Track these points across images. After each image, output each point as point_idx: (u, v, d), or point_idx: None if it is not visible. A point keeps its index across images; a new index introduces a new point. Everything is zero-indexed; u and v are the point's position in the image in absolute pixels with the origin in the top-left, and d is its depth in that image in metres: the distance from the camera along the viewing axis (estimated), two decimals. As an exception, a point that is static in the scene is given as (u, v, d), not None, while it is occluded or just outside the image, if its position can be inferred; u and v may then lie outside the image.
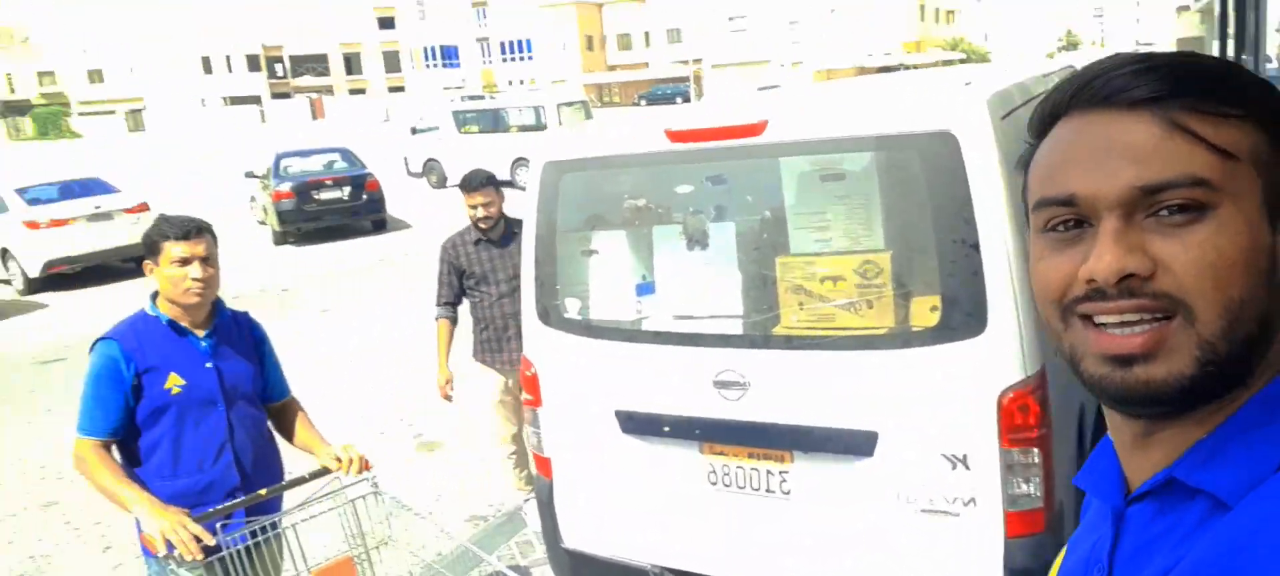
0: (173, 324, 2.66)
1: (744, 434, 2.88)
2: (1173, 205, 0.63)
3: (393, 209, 16.77)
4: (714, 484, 3.02)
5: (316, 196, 14.89)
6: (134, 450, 2.64)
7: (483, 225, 4.31)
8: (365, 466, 2.73)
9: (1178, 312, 0.63)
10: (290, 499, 2.75)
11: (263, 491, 2.64)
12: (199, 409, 2.66)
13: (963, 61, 62.08)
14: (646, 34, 73.02)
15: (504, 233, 4.35)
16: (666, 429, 3.05)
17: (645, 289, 3.26)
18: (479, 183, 4.32)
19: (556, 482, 3.38)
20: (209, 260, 2.64)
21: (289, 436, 2.93)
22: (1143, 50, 0.87)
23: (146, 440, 2.63)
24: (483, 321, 4.42)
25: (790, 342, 2.82)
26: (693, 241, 3.14)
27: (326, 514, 2.63)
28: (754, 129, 2.69)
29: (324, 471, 2.72)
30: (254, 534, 2.52)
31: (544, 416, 3.35)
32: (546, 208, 3.27)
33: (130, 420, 2.60)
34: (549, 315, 3.29)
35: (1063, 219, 0.68)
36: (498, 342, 4.40)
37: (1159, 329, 0.64)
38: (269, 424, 2.91)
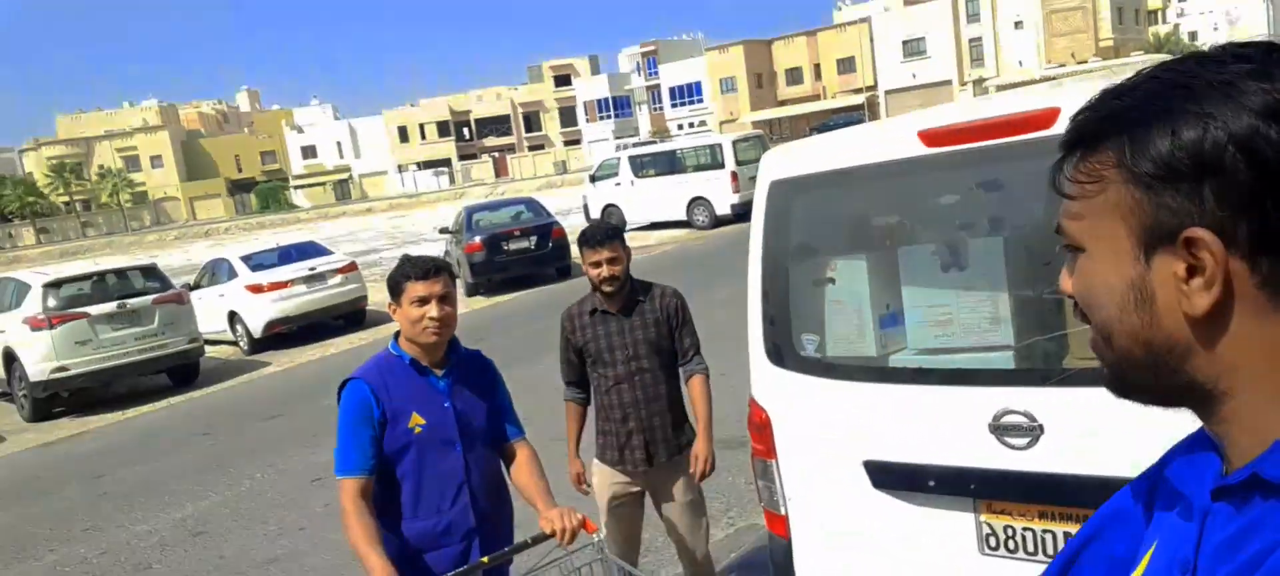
0: (414, 363, 2.67)
1: (1036, 489, 2.37)
2: (1066, 246, 0.76)
3: (575, 254, 17.00)
4: (993, 549, 2.52)
5: (506, 247, 15.31)
6: (379, 491, 2.62)
7: (606, 287, 3.45)
8: (588, 528, 2.56)
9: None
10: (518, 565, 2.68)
11: (485, 559, 2.55)
12: (438, 449, 2.65)
13: (1167, 64, 56.99)
14: (816, 66, 71.99)
15: (626, 301, 3.51)
16: (932, 483, 2.59)
17: (891, 321, 2.84)
18: (602, 236, 3.45)
19: (795, 544, 2.98)
20: (447, 299, 2.65)
21: (517, 483, 2.83)
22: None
23: (386, 477, 2.62)
24: (601, 410, 3.59)
25: (1092, 376, 2.29)
26: (949, 262, 2.70)
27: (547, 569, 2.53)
28: (1042, 120, 2.22)
29: (543, 536, 2.57)
30: None
31: (779, 469, 2.97)
32: (775, 233, 2.92)
33: (382, 458, 2.60)
34: (781, 354, 2.92)
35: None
36: (616, 437, 3.55)
37: (1093, 337, 0.76)
38: (501, 471, 2.85)
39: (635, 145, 30.64)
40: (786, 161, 2.98)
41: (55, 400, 11.07)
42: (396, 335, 2.73)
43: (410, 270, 2.64)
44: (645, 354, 3.52)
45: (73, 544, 6.28)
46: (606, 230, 3.55)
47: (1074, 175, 0.72)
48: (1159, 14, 74.33)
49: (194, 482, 7.22)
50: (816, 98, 70.17)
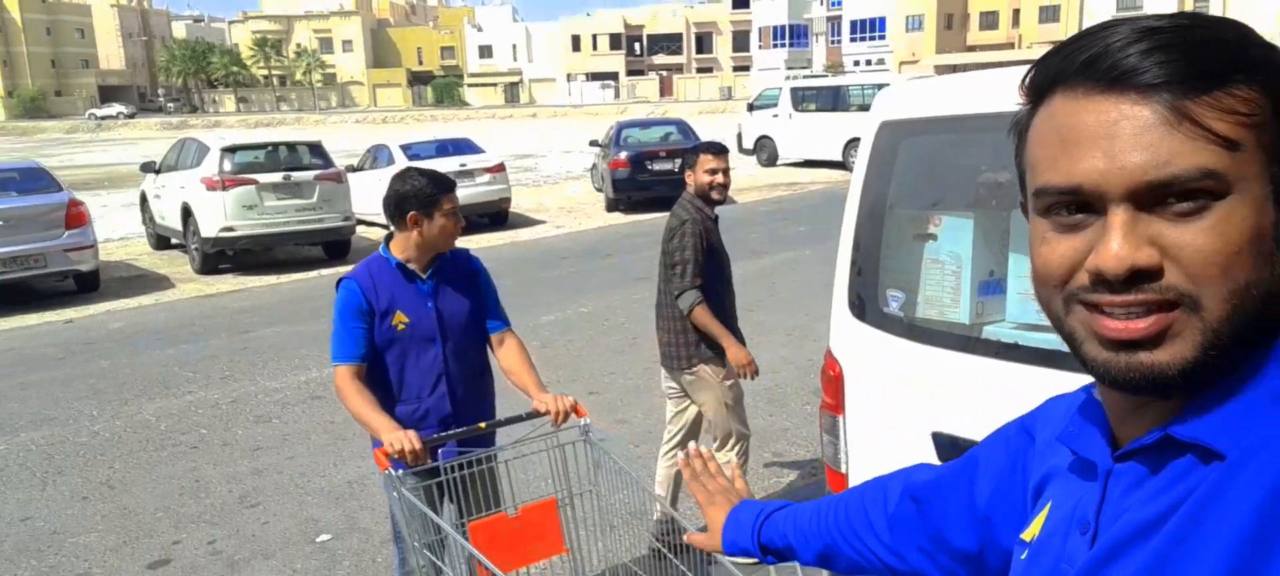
0: (401, 266, 2.92)
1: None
2: (1181, 194, 0.63)
3: (723, 183, 16.77)
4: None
5: (650, 167, 15.27)
6: (370, 377, 2.87)
7: (716, 195, 3.79)
8: (578, 412, 2.79)
9: (1183, 303, 0.64)
10: (509, 436, 2.85)
11: (482, 425, 2.80)
12: (420, 344, 2.90)
13: None
14: (1016, 11, 67.22)
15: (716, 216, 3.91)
16: (1002, 468, 2.36)
17: (991, 288, 2.59)
18: (721, 148, 3.90)
19: (855, 507, 2.81)
20: (454, 213, 2.95)
21: (507, 372, 3.05)
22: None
23: (376, 369, 2.88)
24: (720, 311, 3.79)
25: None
26: (1063, 230, 2.40)
27: (538, 454, 2.76)
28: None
29: (536, 414, 2.81)
30: (471, 464, 2.72)
31: (845, 426, 2.80)
32: (878, 178, 2.70)
33: (373, 349, 2.86)
34: (864, 308, 2.73)
35: (1067, 204, 0.67)
36: (735, 333, 3.84)
37: (1164, 317, 0.64)
38: (489, 357, 3.09)
39: (804, 77, 29.73)
40: (901, 101, 2.74)
41: (222, 257, 12.00)
42: (387, 239, 2.99)
43: (442, 185, 2.93)
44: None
45: (210, 388, 6.84)
46: (722, 145, 4.00)
47: (1225, 101, 0.63)
48: None
49: (322, 351, 7.62)
50: (1010, 45, 65.64)
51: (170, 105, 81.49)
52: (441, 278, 2.96)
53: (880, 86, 19.57)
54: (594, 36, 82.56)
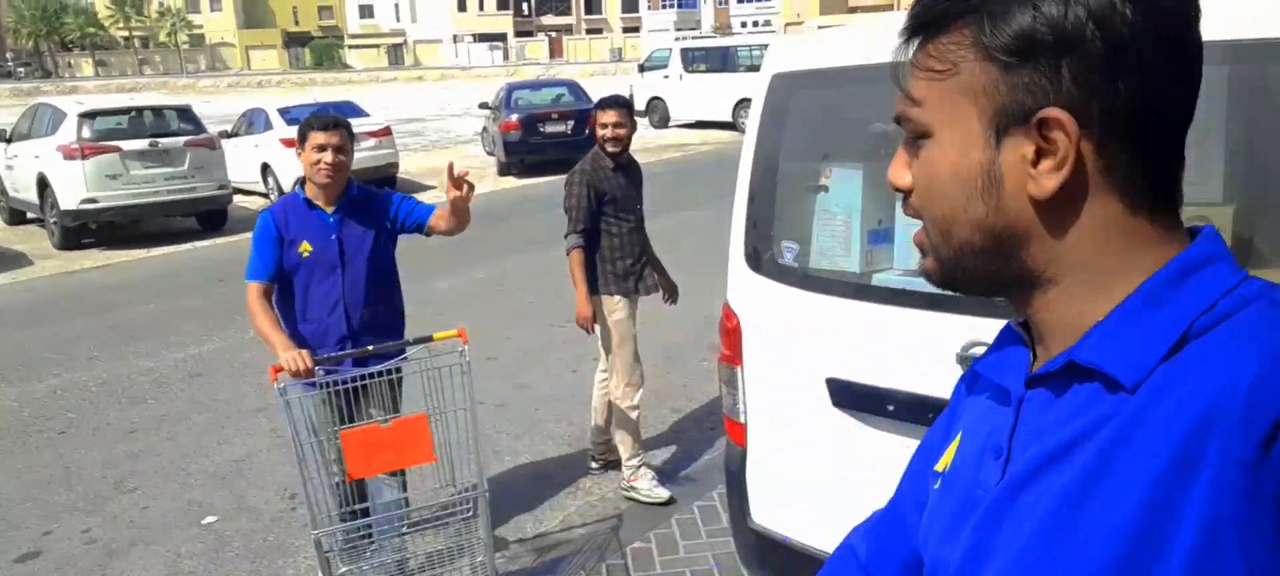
0: (308, 201, 3.27)
1: (996, 428, 2.21)
2: (912, 134, 0.73)
3: (615, 145, 16.72)
4: (947, 483, 2.37)
5: (542, 129, 15.08)
6: (281, 297, 3.28)
7: (611, 147, 4.08)
8: (462, 337, 3.10)
9: (922, 221, 0.75)
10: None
11: (370, 348, 3.17)
12: (323, 270, 3.26)
13: None
14: (891, -24, 69.04)
15: (628, 162, 4.23)
16: (890, 408, 2.44)
17: (880, 237, 2.65)
18: (616, 102, 4.19)
19: (750, 453, 2.87)
20: (341, 149, 3.22)
21: (445, 227, 3.33)
22: None
23: (286, 290, 3.27)
24: (620, 250, 4.16)
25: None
26: (948, 179, 2.48)
27: (418, 374, 3.11)
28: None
29: (423, 340, 3.18)
30: (357, 378, 3.08)
31: (743, 376, 2.84)
32: (771, 130, 2.72)
33: (282, 272, 3.23)
34: (759, 260, 2.76)
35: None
36: (639, 271, 4.22)
37: (918, 233, 0.76)
38: (394, 288, 3.43)
39: (693, 38, 29.84)
40: (792, 53, 2.75)
41: (84, 231, 11.25)
42: (301, 179, 3.33)
43: (314, 122, 3.23)
44: (640, 202, 4.29)
45: (76, 370, 6.42)
46: (619, 98, 4.28)
47: (924, 59, 0.71)
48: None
49: (200, 326, 7.31)
50: (889, 8, 67.48)
51: (20, 71, 75.35)
52: (347, 212, 3.29)
53: (766, 46, 19.89)
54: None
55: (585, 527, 4.00)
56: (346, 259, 3.27)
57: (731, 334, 2.85)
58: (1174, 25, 0.66)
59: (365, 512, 3.22)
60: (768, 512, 2.83)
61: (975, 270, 0.72)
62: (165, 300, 8.34)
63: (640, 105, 22.00)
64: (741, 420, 2.87)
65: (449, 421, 3.18)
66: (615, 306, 4.13)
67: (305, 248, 3.23)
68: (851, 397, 2.52)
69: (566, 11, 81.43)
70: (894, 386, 2.41)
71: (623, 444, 4.19)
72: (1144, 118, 0.66)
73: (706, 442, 4.73)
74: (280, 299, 3.28)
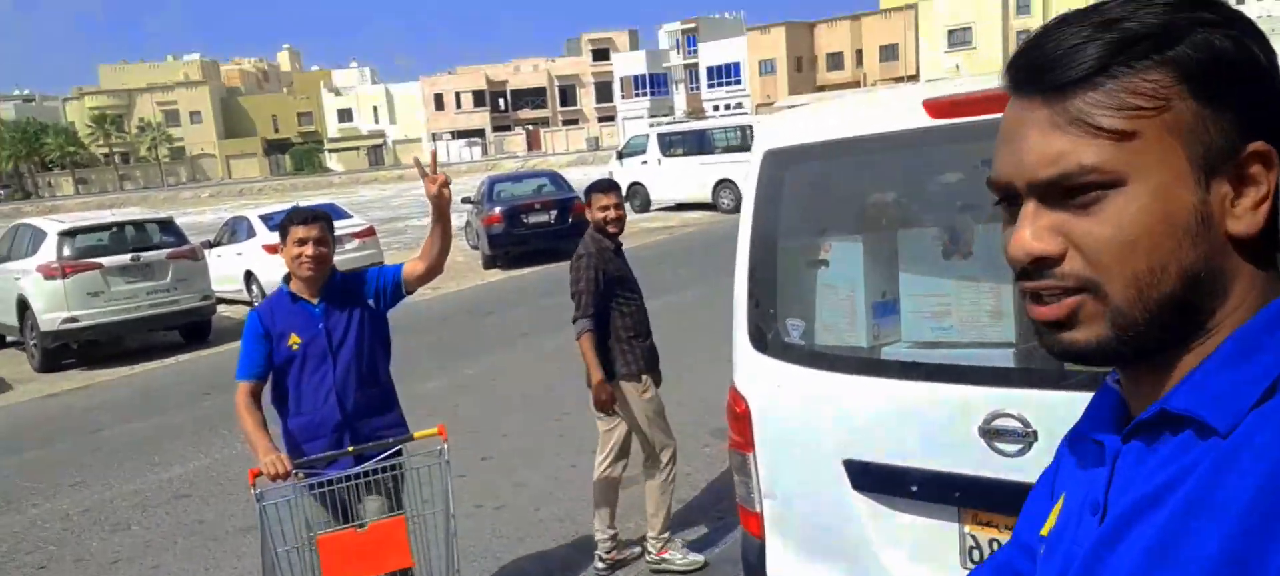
0: (293, 295, 3.31)
1: (1023, 500, 2.10)
2: (1078, 188, 0.66)
3: (599, 231, 16.77)
4: (976, 563, 2.25)
5: (525, 220, 15.11)
6: (275, 392, 3.33)
7: (613, 228, 4.10)
8: (441, 433, 3.25)
9: (1087, 288, 0.68)
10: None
11: (351, 448, 3.22)
12: (314, 361, 3.27)
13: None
14: (859, 52, 70.93)
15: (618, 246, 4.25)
16: (914, 488, 2.34)
17: (885, 309, 2.58)
18: (611, 186, 4.26)
19: (769, 544, 2.75)
20: (321, 242, 3.24)
21: (425, 264, 3.35)
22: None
23: (279, 386, 3.31)
24: (634, 329, 4.14)
25: (1095, 382, 2.01)
26: (952, 248, 2.43)
27: (397, 473, 3.21)
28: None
29: (403, 440, 3.28)
30: (337, 480, 3.14)
31: (756, 463, 2.73)
32: (767, 208, 2.67)
33: (272, 369, 3.27)
34: (765, 340, 2.68)
35: (1003, 197, 0.73)
36: (653, 351, 4.23)
37: (1069, 302, 0.68)
38: (382, 372, 3.41)
39: (668, 123, 30.30)
40: (782, 130, 2.72)
41: (65, 351, 11.07)
42: (288, 275, 3.34)
43: (295, 217, 3.28)
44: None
45: (57, 498, 6.19)
46: (612, 181, 4.38)
47: (1117, 98, 0.65)
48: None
49: (187, 444, 7.12)
50: (856, 84, 69.08)
51: (0, 192, 75.66)
52: (332, 300, 3.30)
53: (742, 128, 20.21)
54: (457, 94, 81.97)
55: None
56: (335, 347, 3.28)
57: (741, 419, 2.76)
58: None
59: None
60: (791, 607, 2.69)
61: (1165, 327, 0.67)
62: (149, 418, 8.14)
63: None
64: (756, 509, 2.75)
65: (427, 522, 3.22)
66: (646, 385, 4.13)
67: (294, 340, 3.26)
68: (872, 479, 2.42)
69: (542, 105, 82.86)
70: (915, 465, 2.31)
71: (654, 519, 4.19)
72: None
73: (718, 533, 4.56)
74: (275, 396, 3.33)
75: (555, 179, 16.86)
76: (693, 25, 76.70)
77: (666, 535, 4.21)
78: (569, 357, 8.49)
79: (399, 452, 3.26)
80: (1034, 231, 0.68)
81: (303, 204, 12.44)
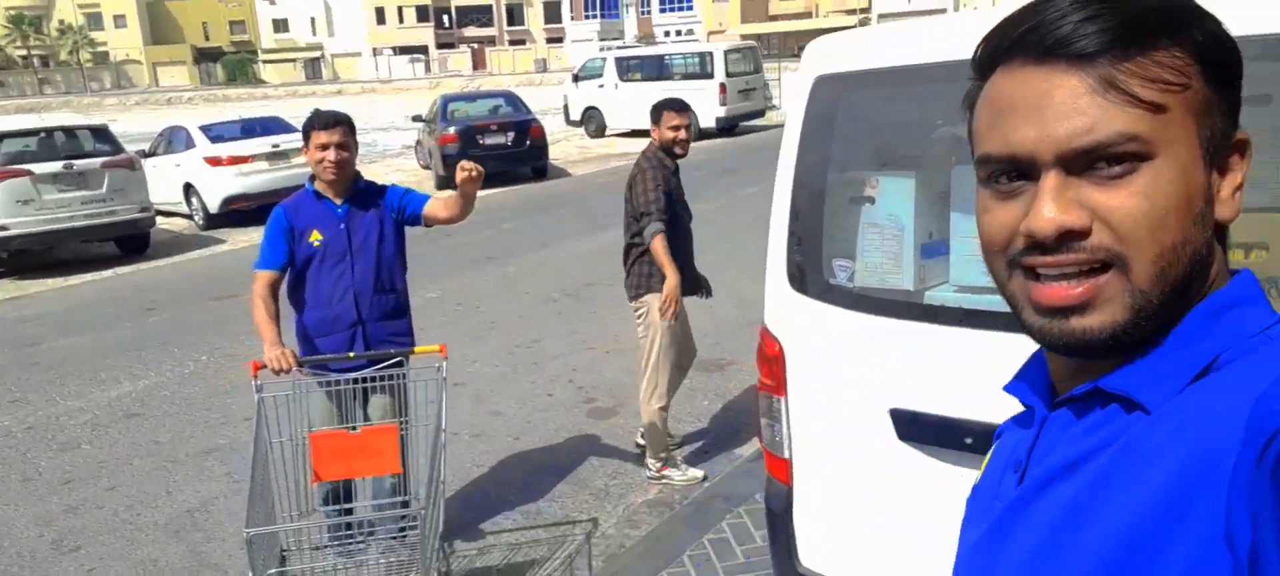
0: (318, 194, 3.44)
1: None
2: (1110, 158, 0.65)
3: (553, 154, 16.44)
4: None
5: (481, 141, 14.65)
6: (294, 287, 3.45)
7: (679, 150, 4.16)
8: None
9: (1114, 264, 0.66)
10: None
11: (350, 354, 3.33)
12: (333, 259, 3.39)
13: None
14: (811, -16, 70.27)
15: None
16: (968, 440, 2.24)
17: (932, 251, 2.45)
18: (681, 105, 4.23)
19: (797, 491, 2.65)
20: (343, 146, 3.35)
21: (447, 215, 3.46)
22: None
23: (298, 282, 3.43)
24: (678, 251, 4.16)
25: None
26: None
27: (400, 382, 3.34)
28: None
29: (407, 353, 3.35)
30: (340, 382, 3.33)
31: (788, 408, 2.61)
32: (815, 138, 2.51)
33: (293, 263, 3.39)
34: (805, 279, 2.54)
35: (1005, 171, 0.70)
36: (694, 277, 4.29)
37: (1093, 282, 0.67)
38: (399, 281, 3.53)
39: (620, 47, 29.70)
40: (838, 54, 2.53)
41: (-7, 260, 10.45)
42: (312, 174, 3.45)
43: (316, 121, 3.38)
44: None
45: (-3, 415, 5.83)
46: (682, 101, 4.32)
47: (1149, 70, 0.65)
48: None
49: (133, 360, 6.77)
50: (809, 15, 68.65)
51: (-94, 91, 70.98)
52: (355, 204, 3.44)
53: (702, 54, 19.86)
54: (400, 8, 79.04)
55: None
56: (354, 247, 3.40)
57: (774, 362, 2.63)
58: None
59: (350, 512, 3.46)
60: (820, 556, 2.60)
61: (1169, 312, 0.67)
62: (91, 333, 7.72)
63: (576, 115, 21.75)
64: (785, 455, 2.65)
65: (419, 435, 3.34)
66: (655, 305, 4.14)
67: (316, 236, 3.37)
68: (921, 430, 2.31)
69: (488, 23, 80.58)
70: (970, 416, 2.20)
71: (652, 442, 4.24)
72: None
73: (740, 478, 4.45)
74: (293, 290, 3.44)
75: (511, 100, 16.37)
76: (646, -54, 74.92)
77: (663, 455, 4.29)
78: (538, 283, 8.34)
79: (401, 362, 3.32)
80: (1063, 202, 0.66)
81: (246, 117, 12.09)
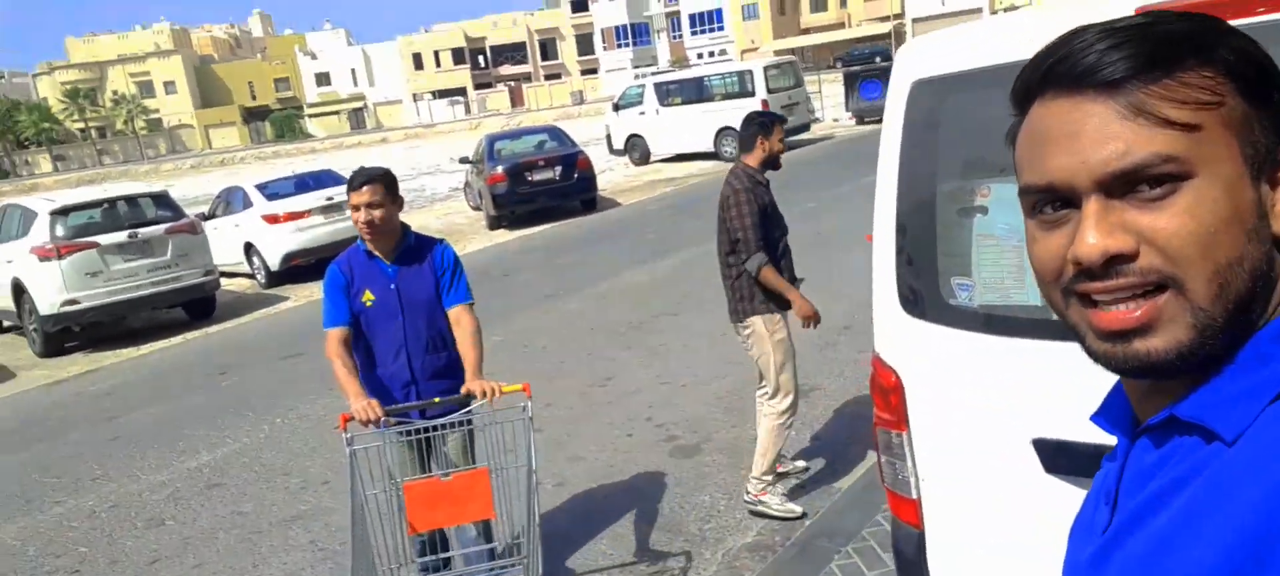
0: (368, 252, 3.39)
1: None
2: (1149, 181, 0.65)
3: (603, 185, 16.39)
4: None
5: (530, 178, 14.66)
6: (354, 345, 3.38)
7: (776, 166, 4.16)
8: (499, 393, 3.16)
9: (1168, 285, 0.66)
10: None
11: (437, 398, 3.26)
12: (385, 318, 3.37)
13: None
14: (842, -8, 69.86)
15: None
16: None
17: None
18: (780, 119, 4.25)
19: (931, 533, 2.45)
20: (375, 205, 3.29)
21: (459, 347, 3.38)
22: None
23: (356, 337, 3.38)
24: (775, 265, 4.07)
25: None
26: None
27: (486, 427, 3.28)
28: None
29: (470, 396, 3.21)
30: (423, 430, 3.27)
31: (910, 442, 2.42)
32: (919, 147, 2.34)
33: (354, 318, 3.37)
34: (921, 302, 2.35)
35: (1048, 201, 0.71)
36: (796, 285, 4.16)
37: (1152, 303, 0.66)
38: (451, 339, 3.41)
39: (655, 73, 29.72)
40: (935, 55, 2.36)
41: (67, 334, 10.65)
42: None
43: (352, 182, 3.32)
44: None
45: (81, 495, 5.83)
46: (782, 116, 4.42)
47: (1181, 91, 0.65)
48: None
49: (210, 427, 6.77)
50: (841, 26, 68.20)
51: (-25, 174, 73.93)
52: (405, 262, 3.40)
53: (741, 73, 19.71)
54: (436, 53, 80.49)
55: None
56: (405, 307, 3.37)
57: (890, 393, 2.44)
58: None
59: (447, 563, 3.42)
60: (962, 604, 2.39)
61: (1237, 329, 0.66)
62: (166, 402, 7.77)
63: (619, 143, 21.73)
64: (912, 495, 2.45)
65: (510, 478, 3.29)
66: (776, 326, 4.07)
67: (368, 296, 3.36)
68: (1071, 460, 2.09)
69: (523, 60, 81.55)
70: (1130, 441, 1.99)
71: (763, 457, 4.14)
72: None
73: (846, 508, 4.24)
74: (353, 347, 3.38)
75: (556, 134, 16.38)
76: (674, -29, 75.27)
77: (769, 478, 4.16)
78: (603, 318, 8.21)
79: (470, 412, 3.30)
80: (1105, 227, 0.66)
81: (299, 172, 12.39)
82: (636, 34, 75.16)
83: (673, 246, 10.94)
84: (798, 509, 4.12)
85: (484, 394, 3.15)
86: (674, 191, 16.49)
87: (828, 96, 27.45)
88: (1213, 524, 0.61)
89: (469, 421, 3.27)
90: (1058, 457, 2.11)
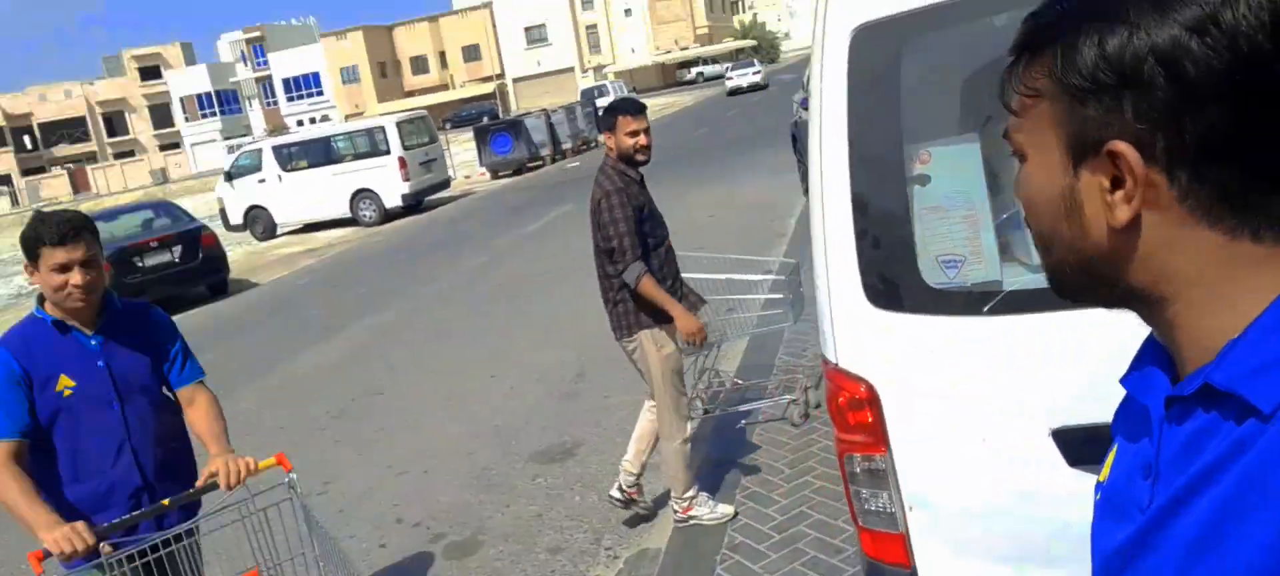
0: (58, 324, 2.59)
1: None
2: (1013, 153, 0.75)
3: (234, 262, 14.37)
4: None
5: (141, 263, 12.20)
6: (36, 460, 2.53)
7: (641, 156, 3.67)
8: (250, 471, 2.52)
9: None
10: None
11: (165, 502, 2.56)
12: (94, 409, 2.59)
13: (755, 49, 64.18)
14: (442, 54, 70.53)
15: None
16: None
17: (1014, 225, 2.02)
18: (638, 106, 3.73)
19: (924, 572, 2.06)
20: (89, 263, 2.52)
21: (195, 429, 2.73)
22: None
23: (44, 448, 2.55)
24: (660, 272, 3.71)
25: None
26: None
27: (243, 520, 2.53)
28: None
29: (211, 482, 2.55)
30: (156, 547, 2.46)
31: (893, 464, 2.03)
32: (869, 108, 1.97)
33: (36, 425, 2.53)
34: (896, 290, 1.99)
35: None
36: (680, 292, 3.81)
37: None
38: (183, 422, 2.78)
39: (249, 143, 27.25)
40: (875, -3, 1.97)
41: None
42: (41, 297, 2.61)
43: (45, 232, 2.48)
44: None
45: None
46: (641, 103, 3.82)
47: (1019, 83, 0.72)
48: (740, 3, 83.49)
49: None
50: (445, 87, 68.71)
51: None
52: (113, 332, 2.64)
53: (371, 130, 18.60)
54: (-37, 137, 66.95)
55: None
56: (122, 391, 2.61)
57: (862, 409, 2.03)
58: (1256, 68, 0.61)
59: None
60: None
61: (1078, 286, 0.74)
62: None
63: (236, 218, 19.35)
64: (899, 529, 2.05)
65: (288, 573, 2.68)
66: (663, 339, 3.71)
67: (65, 382, 2.56)
68: (1101, 448, 1.81)
69: (83, 138, 71.04)
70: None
71: (675, 481, 3.85)
72: (1221, 150, 0.63)
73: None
74: (37, 463, 2.50)
75: (166, 209, 13.94)
76: (258, 33, 70.91)
77: (691, 492, 3.86)
78: (291, 414, 6.81)
79: (198, 505, 2.72)
80: (1016, 181, 0.76)
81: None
82: (223, 101, 69.26)
83: (344, 321, 9.68)
84: (730, 509, 3.90)
85: (232, 476, 2.46)
86: (320, 263, 14.83)
87: (456, 154, 27.11)
88: (1264, 502, 0.60)
89: (196, 529, 2.64)
90: (1084, 447, 1.82)
